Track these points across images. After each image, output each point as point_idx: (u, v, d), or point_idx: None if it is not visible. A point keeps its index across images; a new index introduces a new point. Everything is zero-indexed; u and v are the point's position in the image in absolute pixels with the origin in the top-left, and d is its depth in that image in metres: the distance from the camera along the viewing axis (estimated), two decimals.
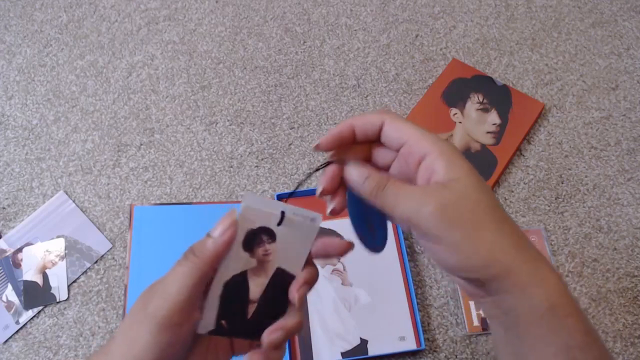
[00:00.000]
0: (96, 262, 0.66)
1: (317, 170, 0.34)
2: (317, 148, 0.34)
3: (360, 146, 0.35)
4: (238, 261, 0.33)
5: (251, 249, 0.33)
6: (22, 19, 0.86)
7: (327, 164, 0.34)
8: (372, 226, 0.36)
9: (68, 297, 0.64)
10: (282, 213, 0.33)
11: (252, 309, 0.34)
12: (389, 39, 0.83)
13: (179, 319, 0.30)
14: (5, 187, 0.71)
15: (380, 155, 0.35)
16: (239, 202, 0.69)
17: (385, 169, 0.35)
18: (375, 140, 0.35)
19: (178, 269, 0.31)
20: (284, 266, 0.34)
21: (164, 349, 0.30)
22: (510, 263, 0.29)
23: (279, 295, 0.33)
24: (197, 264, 0.31)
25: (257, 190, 0.71)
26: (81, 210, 0.69)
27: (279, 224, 0.33)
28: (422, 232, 0.31)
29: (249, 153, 0.74)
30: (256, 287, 0.33)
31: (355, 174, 0.33)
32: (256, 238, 0.33)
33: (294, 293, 0.33)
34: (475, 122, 0.72)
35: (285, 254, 0.34)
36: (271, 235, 0.33)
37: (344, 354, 0.58)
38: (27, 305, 0.63)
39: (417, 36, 0.83)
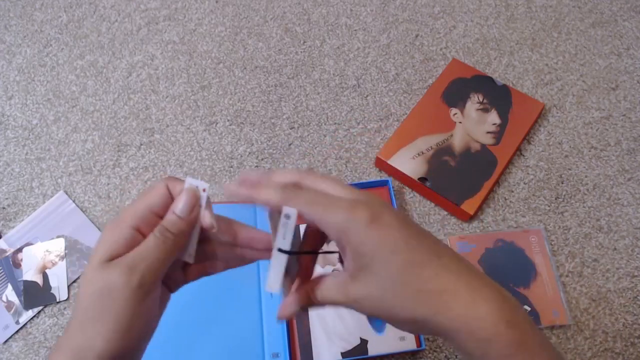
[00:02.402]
0: None
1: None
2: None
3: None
4: None
5: None
6: (22, 19, 0.86)
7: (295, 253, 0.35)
8: None
9: (68, 297, 0.64)
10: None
11: None
12: (389, 39, 0.83)
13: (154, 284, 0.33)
14: (5, 187, 0.71)
15: None
16: (239, 202, 0.69)
17: None
18: None
19: (160, 244, 0.33)
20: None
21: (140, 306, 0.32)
22: (434, 329, 0.31)
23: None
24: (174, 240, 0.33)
25: None
26: (81, 210, 0.69)
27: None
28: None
29: (249, 153, 0.74)
30: None
31: (298, 304, 0.35)
32: None
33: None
34: (475, 122, 0.72)
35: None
36: None
37: (344, 354, 0.58)
38: (27, 305, 0.63)
39: (417, 36, 0.83)
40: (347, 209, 0.30)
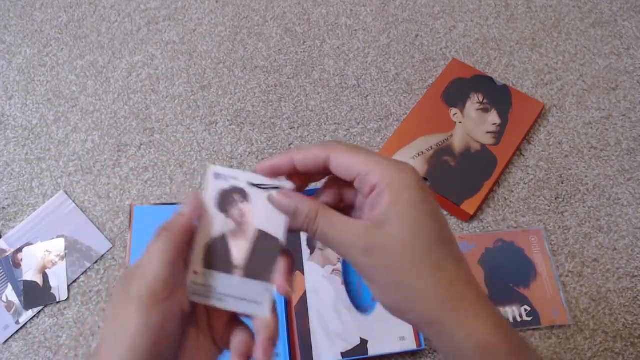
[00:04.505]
0: (96, 262, 0.66)
1: (266, 188, 0.32)
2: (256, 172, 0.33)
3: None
4: (215, 223, 0.32)
5: (225, 210, 0.32)
6: (22, 19, 0.86)
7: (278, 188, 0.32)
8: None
9: (68, 297, 0.64)
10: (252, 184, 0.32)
11: (237, 273, 0.32)
12: (389, 39, 0.83)
13: (163, 294, 0.29)
14: (5, 187, 0.71)
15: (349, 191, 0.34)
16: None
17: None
18: (322, 172, 0.33)
19: (152, 246, 0.31)
20: (265, 228, 0.32)
21: (156, 330, 0.29)
22: (433, 315, 0.28)
23: (265, 259, 0.32)
24: (169, 237, 0.31)
25: None
26: (81, 210, 0.69)
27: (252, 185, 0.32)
28: (355, 268, 0.30)
29: (249, 153, 0.74)
30: (239, 251, 0.32)
31: (284, 204, 0.32)
32: (229, 198, 0.32)
33: (282, 286, 0.32)
34: (475, 122, 0.72)
35: (262, 215, 0.32)
36: (243, 194, 0.32)
37: (344, 354, 0.58)
38: (27, 305, 0.63)
39: (417, 36, 0.83)
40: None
